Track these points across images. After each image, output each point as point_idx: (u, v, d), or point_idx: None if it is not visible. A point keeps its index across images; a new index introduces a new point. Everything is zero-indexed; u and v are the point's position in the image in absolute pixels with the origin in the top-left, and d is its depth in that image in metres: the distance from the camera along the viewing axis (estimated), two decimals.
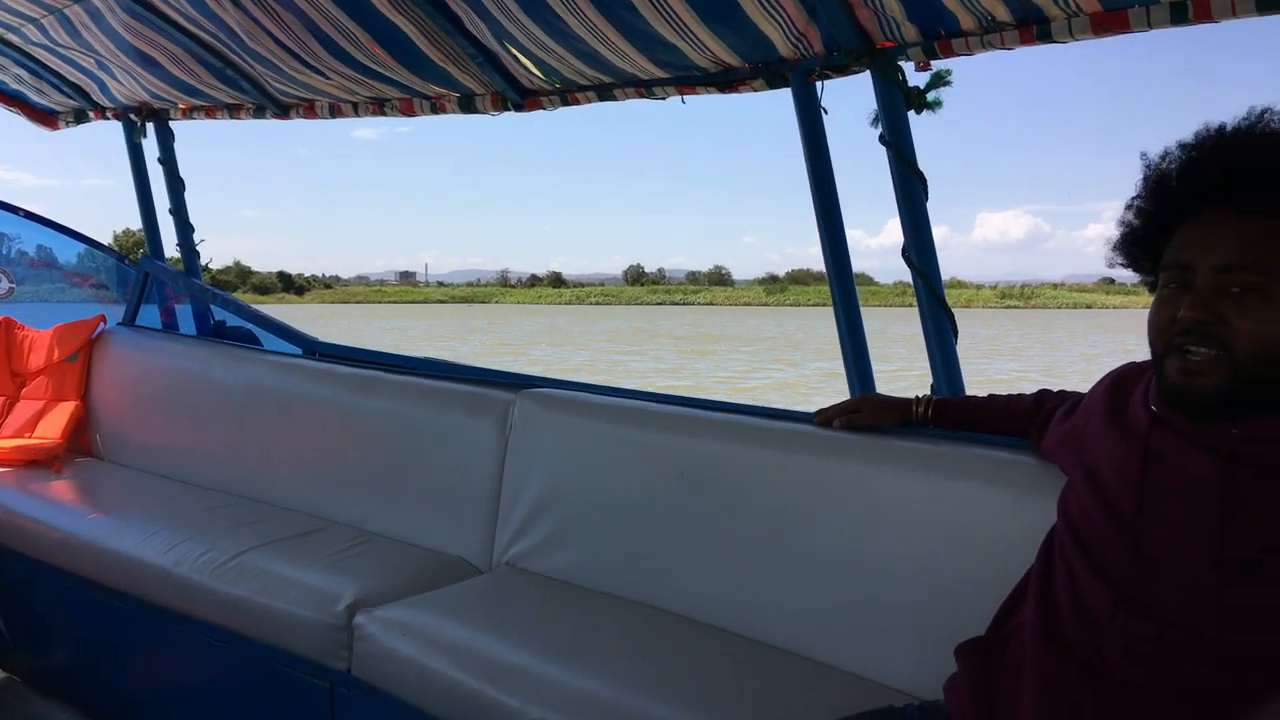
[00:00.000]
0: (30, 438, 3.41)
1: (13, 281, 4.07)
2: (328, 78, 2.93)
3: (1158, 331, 1.27)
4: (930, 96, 2.05)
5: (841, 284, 2.25)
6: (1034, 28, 1.80)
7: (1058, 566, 1.36)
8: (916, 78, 2.07)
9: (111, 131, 3.85)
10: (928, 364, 2.08)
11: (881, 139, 2.07)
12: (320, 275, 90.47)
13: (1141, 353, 1.36)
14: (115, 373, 3.54)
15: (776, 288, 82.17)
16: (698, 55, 2.23)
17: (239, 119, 3.49)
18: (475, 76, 2.71)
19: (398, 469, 2.67)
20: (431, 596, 2.20)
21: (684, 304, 75.57)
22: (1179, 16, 1.64)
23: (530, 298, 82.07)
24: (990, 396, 1.88)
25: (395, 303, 77.55)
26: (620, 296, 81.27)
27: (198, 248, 3.80)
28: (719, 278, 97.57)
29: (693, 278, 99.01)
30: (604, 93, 2.57)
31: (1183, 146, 1.30)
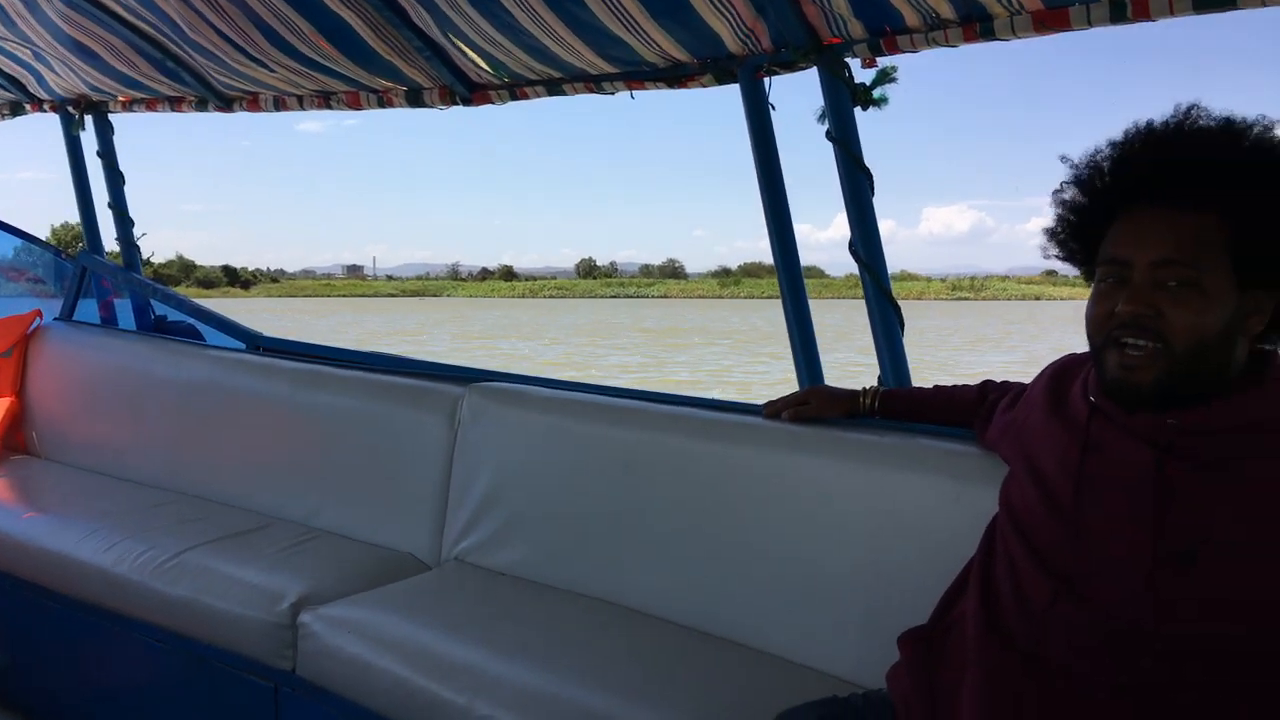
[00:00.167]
0: None
1: None
2: (272, 70, 2.88)
3: (1096, 325, 1.29)
4: (876, 93, 2.07)
5: (789, 277, 2.26)
6: (977, 25, 1.83)
7: (999, 556, 1.38)
8: (863, 75, 2.09)
9: (48, 124, 3.76)
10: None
11: (828, 135, 2.09)
12: (266, 269, 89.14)
13: None
14: (52, 369, 3.46)
15: (730, 280, 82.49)
16: (647, 51, 2.23)
17: (181, 112, 3.42)
18: (422, 70, 2.69)
19: (345, 465, 2.64)
20: (378, 593, 2.18)
21: (638, 297, 75.53)
22: (1118, 15, 1.68)
23: (483, 291, 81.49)
24: (936, 388, 1.90)
25: (344, 296, 76.46)
26: (574, 290, 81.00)
27: (138, 242, 3.72)
28: (672, 271, 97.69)
29: (646, 271, 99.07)
30: (553, 88, 2.56)
31: (1113, 144, 1.32)
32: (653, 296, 75.69)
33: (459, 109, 2.79)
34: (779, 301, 2.30)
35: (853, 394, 1.97)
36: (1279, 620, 1.15)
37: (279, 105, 3.14)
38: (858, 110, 2.09)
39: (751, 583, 1.95)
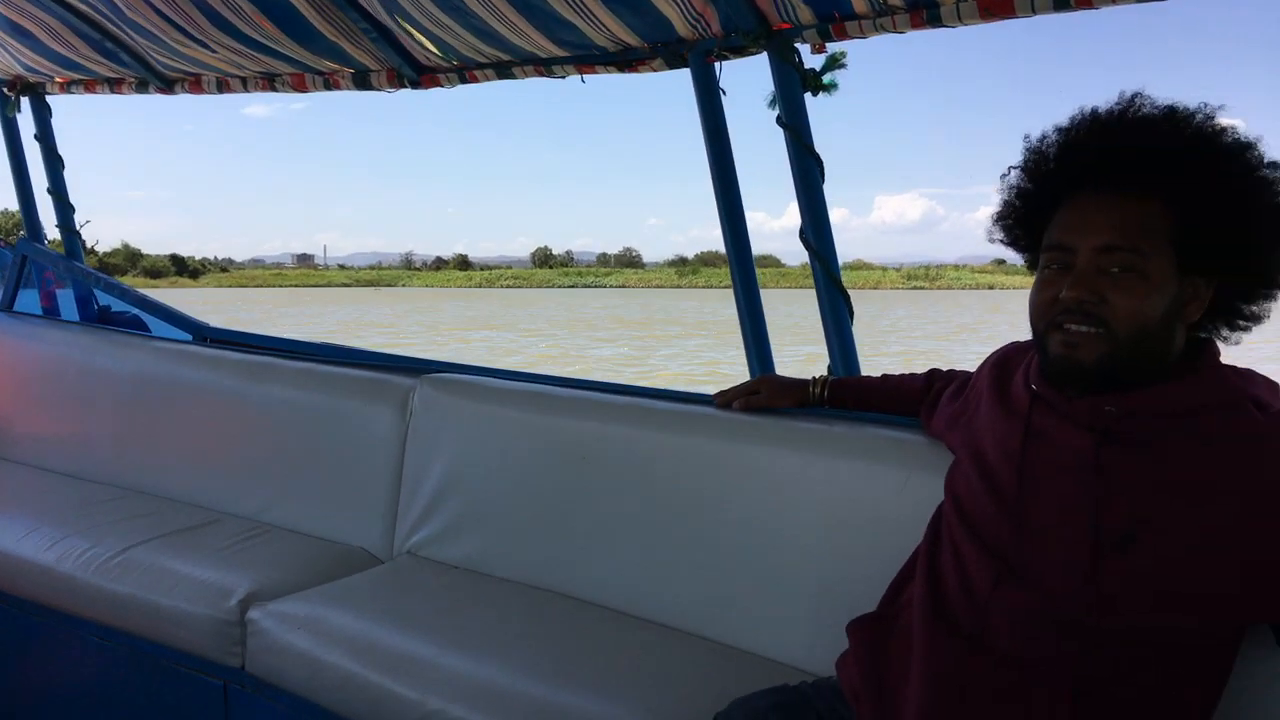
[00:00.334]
0: None
1: None
2: (214, 51, 2.82)
3: (1040, 311, 1.30)
4: (826, 79, 2.07)
5: (741, 266, 2.26)
6: (924, 11, 1.83)
7: (944, 543, 1.39)
8: (813, 60, 2.09)
9: None
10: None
11: (779, 121, 2.09)
12: (214, 258, 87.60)
13: None
14: None
15: (688, 269, 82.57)
16: (596, 34, 2.21)
17: (121, 94, 3.33)
18: (369, 52, 2.64)
19: (294, 458, 2.60)
20: (329, 588, 2.15)
21: (596, 286, 75.33)
22: (1062, 2, 1.69)
23: (439, 281, 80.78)
24: (884, 376, 1.91)
25: (297, 286, 75.21)
26: (531, 279, 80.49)
27: (81, 229, 3.63)
28: (629, 260, 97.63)
29: (603, 260, 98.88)
30: (503, 71, 2.53)
31: (1059, 130, 1.33)
32: (611, 286, 75.50)
33: (407, 92, 2.75)
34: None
35: (803, 383, 1.97)
36: (1216, 604, 1.17)
37: (222, 87, 3.07)
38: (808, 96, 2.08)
39: (704, 572, 1.95)
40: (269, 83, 2.97)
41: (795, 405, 1.97)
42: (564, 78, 2.45)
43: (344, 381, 2.60)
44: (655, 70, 2.28)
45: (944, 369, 1.79)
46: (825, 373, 2.06)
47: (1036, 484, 1.28)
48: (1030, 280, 1.35)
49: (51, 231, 3.66)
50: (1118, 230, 1.23)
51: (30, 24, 2.99)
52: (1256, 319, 1.29)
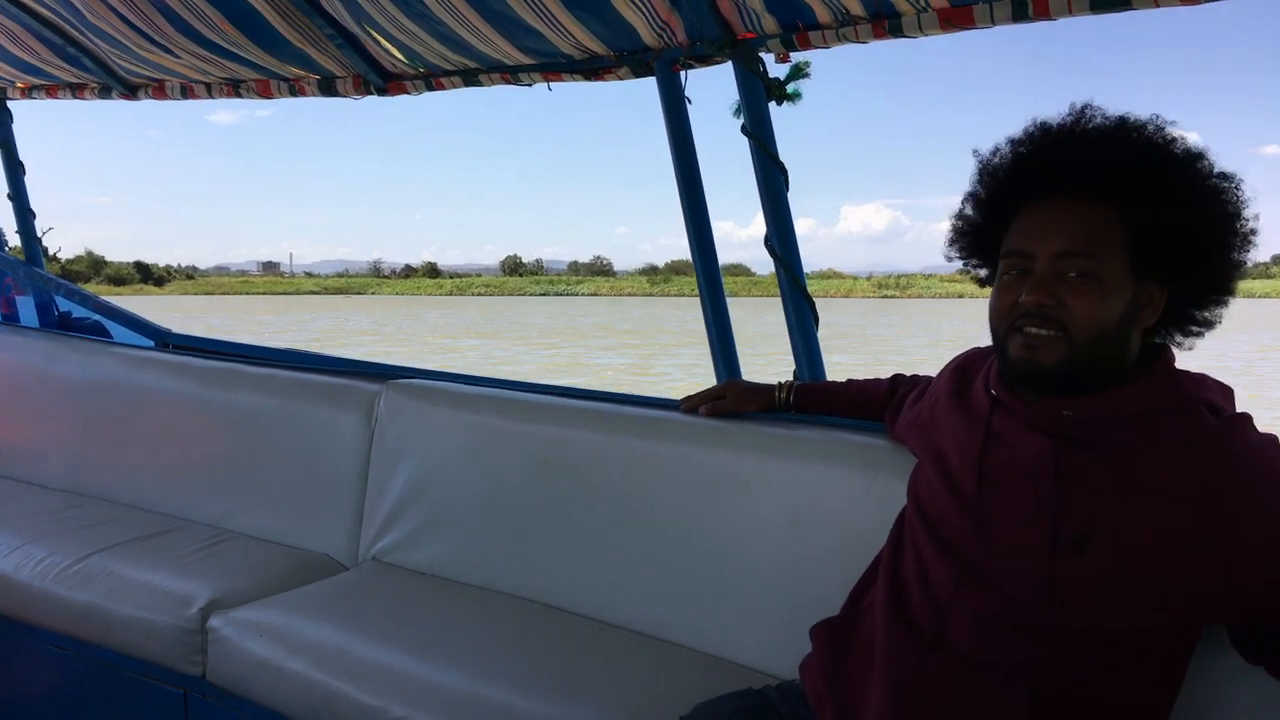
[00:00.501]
0: None
1: None
2: (178, 57, 2.80)
3: (1000, 316, 1.31)
4: (790, 88, 2.09)
5: (708, 273, 2.28)
6: (886, 22, 1.85)
7: (907, 547, 1.40)
8: (778, 70, 2.11)
9: None
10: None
11: (744, 129, 2.11)
12: (179, 265, 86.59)
13: None
14: None
15: (660, 278, 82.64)
16: (562, 42, 2.22)
17: (83, 99, 3.30)
18: (335, 58, 2.63)
19: (258, 465, 2.58)
20: (292, 595, 2.13)
21: (569, 294, 75.14)
22: (1020, 14, 1.72)
23: (408, 289, 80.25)
24: (848, 381, 1.93)
25: (264, 294, 74.34)
26: (503, 288, 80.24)
27: (43, 236, 3.59)
28: (601, 268, 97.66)
29: (574, 268, 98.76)
30: (469, 78, 2.53)
31: (1012, 142, 1.35)
32: (583, 294, 75.35)
33: (374, 99, 2.75)
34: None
35: (768, 388, 1.98)
36: (1172, 605, 1.19)
37: (186, 93, 3.05)
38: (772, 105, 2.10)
39: (669, 577, 1.96)
40: (234, 89, 2.95)
41: (761, 410, 1.99)
42: (530, 85, 2.45)
43: (308, 387, 2.58)
44: (621, 78, 2.29)
45: (908, 374, 1.81)
46: (791, 378, 2.08)
47: (996, 487, 1.30)
48: None
49: (13, 238, 3.61)
50: (1075, 236, 1.25)
51: None
52: (1209, 325, 1.32)
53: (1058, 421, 1.26)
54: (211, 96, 3.02)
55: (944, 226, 1.49)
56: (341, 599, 2.12)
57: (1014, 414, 1.31)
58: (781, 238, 2.12)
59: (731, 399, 2.01)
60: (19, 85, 3.37)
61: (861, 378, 1.93)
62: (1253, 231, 1.26)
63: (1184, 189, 1.25)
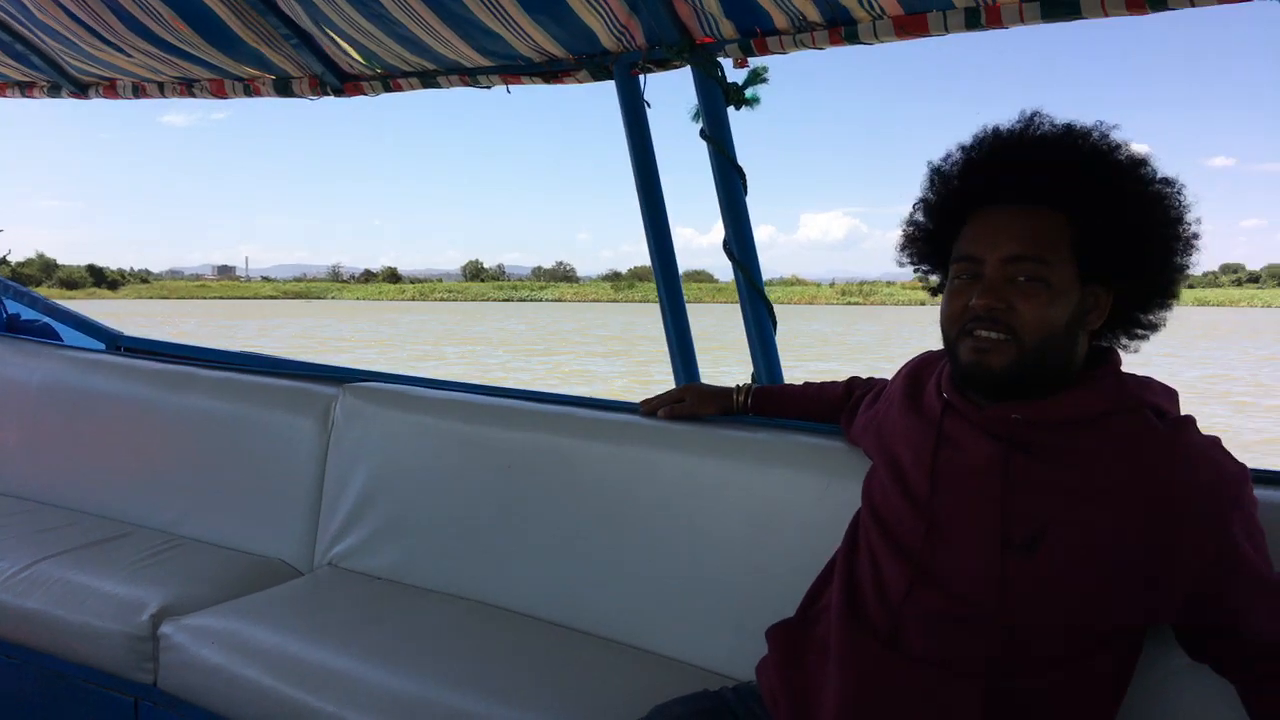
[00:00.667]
0: None
1: None
2: (130, 55, 2.75)
3: (951, 320, 1.33)
4: (748, 93, 2.10)
5: (667, 279, 2.28)
6: (842, 29, 1.87)
7: (861, 549, 1.41)
8: (736, 75, 2.12)
9: None
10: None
11: (702, 134, 2.12)
12: (132, 269, 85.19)
13: None
14: None
15: (623, 284, 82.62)
16: (521, 44, 2.22)
17: (32, 98, 3.24)
18: (291, 59, 2.61)
19: (212, 469, 2.54)
20: (245, 602, 2.11)
21: (532, 300, 74.78)
22: (973, 22, 1.75)
23: (369, 294, 79.40)
24: (805, 384, 1.94)
25: (220, 298, 73.06)
26: (466, 293, 79.65)
27: None
28: (564, 274, 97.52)
29: (537, 274, 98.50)
30: (427, 79, 2.52)
31: (963, 149, 1.37)
32: (547, 300, 75.05)
33: (330, 101, 2.72)
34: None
35: (726, 391, 1.99)
36: (1120, 604, 1.21)
37: (138, 92, 3.00)
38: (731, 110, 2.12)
39: (627, 580, 1.96)
40: (187, 88, 2.91)
41: (719, 413, 1.99)
42: (489, 88, 2.45)
43: (264, 391, 2.55)
44: (580, 82, 2.29)
45: (864, 377, 1.83)
46: (750, 380, 2.09)
47: (948, 489, 1.32)
48: None
49: None
50: (1023, 241, 1.27)
51: None
52: (1153, 327, 1.35)
53: (1007, 425, 1.28)
54: (164, 96, 2.98)
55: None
56: (296, 605, 2.10)
57: (965, 417, 1.33)
58: (740, 242, 2.14)
59: (690, 402, 2.01)
60: None
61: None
62: (1195, 235, 1.29)
63: (1129, 194, 1.27)
